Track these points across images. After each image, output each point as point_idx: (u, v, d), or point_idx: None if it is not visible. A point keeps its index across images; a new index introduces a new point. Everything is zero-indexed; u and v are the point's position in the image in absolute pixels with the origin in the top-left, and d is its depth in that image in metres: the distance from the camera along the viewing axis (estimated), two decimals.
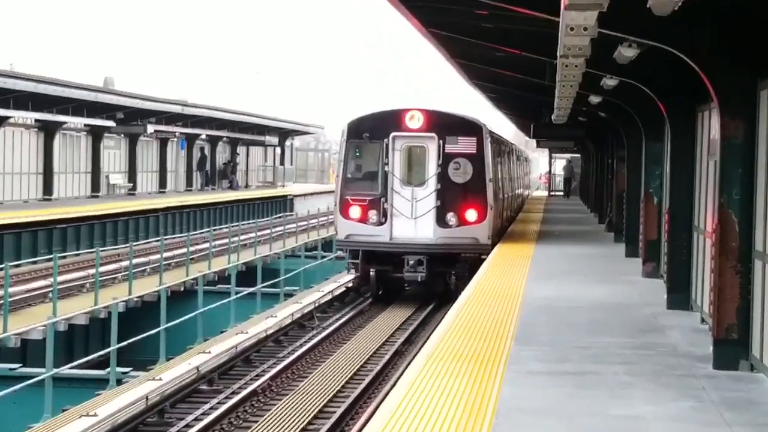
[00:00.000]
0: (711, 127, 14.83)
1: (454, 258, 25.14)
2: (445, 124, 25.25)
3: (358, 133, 25.06)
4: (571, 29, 9.63)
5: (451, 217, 24.82)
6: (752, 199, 12.10)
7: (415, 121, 24.94)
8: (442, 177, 24.88)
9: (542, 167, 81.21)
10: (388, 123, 25.06)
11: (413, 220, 24.76)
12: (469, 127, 25.41)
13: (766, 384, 11.35)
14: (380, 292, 25.68)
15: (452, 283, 24.71)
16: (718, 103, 12.23)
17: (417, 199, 24.82)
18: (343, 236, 25.05)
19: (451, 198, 24.83)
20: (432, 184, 24.86)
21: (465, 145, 25.02)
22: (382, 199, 24.72)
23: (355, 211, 24.75)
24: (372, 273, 24.86)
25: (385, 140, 24.74)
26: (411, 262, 24.46)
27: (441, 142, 24.84)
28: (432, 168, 24.91)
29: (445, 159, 24.87)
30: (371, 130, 24.96)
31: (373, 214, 24.67)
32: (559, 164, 67.16)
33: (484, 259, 24.12)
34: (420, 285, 25.34)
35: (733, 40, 12.20)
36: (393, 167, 24.71)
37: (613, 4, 8.85)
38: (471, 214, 24.91)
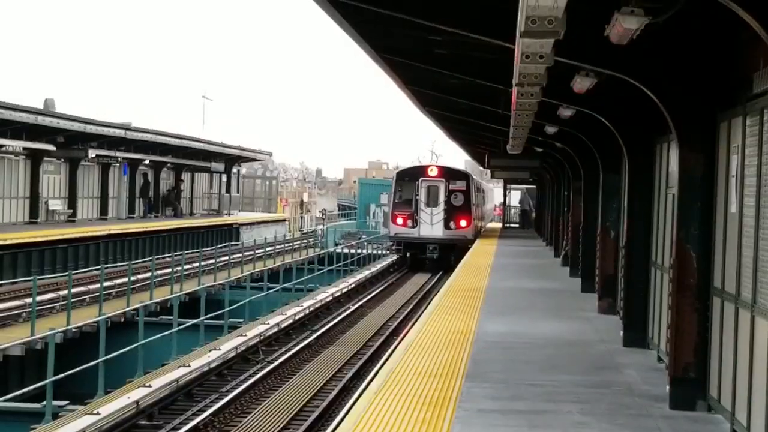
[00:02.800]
0: (670, 159, 14.56)
1: (453, 246, 43.77)
2: (449, 173, 45.44)
3: (402, 177, 45.58)
4: (527, 57, 9.50)
5: (452, 224, 44.25)
6: (711, 235, 11.85)
7: (433, 171, 45.11)
8: (447, 202, 44.39)
9: (497, 198, 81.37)
10: (418, 172, 45.50)
11: (431, 225, 44.25)
12: (462, 175, 46.05)
13: (723, 425, 11.14)
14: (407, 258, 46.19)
15: (452, 260, 40.74)
16: (676, 135, 12.00)
17: (433, 214, 44.29)
18: (393, 234, 45.39)
19: (452, 214, 44.33)
20: (442, 206, 44.33)
21: (459, 185, 44.86)
22: (414, 214, 44.20)
23: (399, 220, 44.48)
24: (408, 255, 45.67)
25: (416, 182, 44.45)
26: (430, 248, 44.50)
27: (447, 183, 44.54)
28: (441, 197, 44.47)
29: (449, 192, 44.50)
30: (409, 176, 45.28)
31: (409, 222, 44.24)
32: (515, 196, 67.70)
33: (470, 248, 40.65)
34: (434, 262, 44.38)
35: (691, 70, 11.99)
36: (420, 196, 44.28)
37: (570, 32, 8.61)
38: (463, 223, 44.56)
